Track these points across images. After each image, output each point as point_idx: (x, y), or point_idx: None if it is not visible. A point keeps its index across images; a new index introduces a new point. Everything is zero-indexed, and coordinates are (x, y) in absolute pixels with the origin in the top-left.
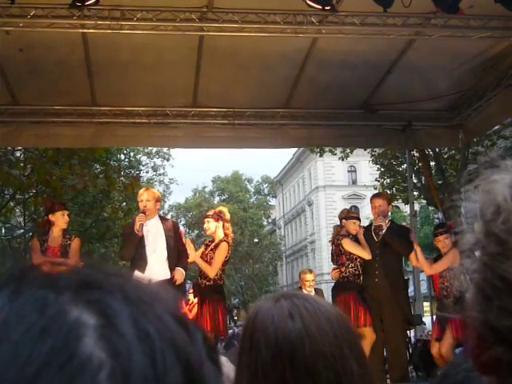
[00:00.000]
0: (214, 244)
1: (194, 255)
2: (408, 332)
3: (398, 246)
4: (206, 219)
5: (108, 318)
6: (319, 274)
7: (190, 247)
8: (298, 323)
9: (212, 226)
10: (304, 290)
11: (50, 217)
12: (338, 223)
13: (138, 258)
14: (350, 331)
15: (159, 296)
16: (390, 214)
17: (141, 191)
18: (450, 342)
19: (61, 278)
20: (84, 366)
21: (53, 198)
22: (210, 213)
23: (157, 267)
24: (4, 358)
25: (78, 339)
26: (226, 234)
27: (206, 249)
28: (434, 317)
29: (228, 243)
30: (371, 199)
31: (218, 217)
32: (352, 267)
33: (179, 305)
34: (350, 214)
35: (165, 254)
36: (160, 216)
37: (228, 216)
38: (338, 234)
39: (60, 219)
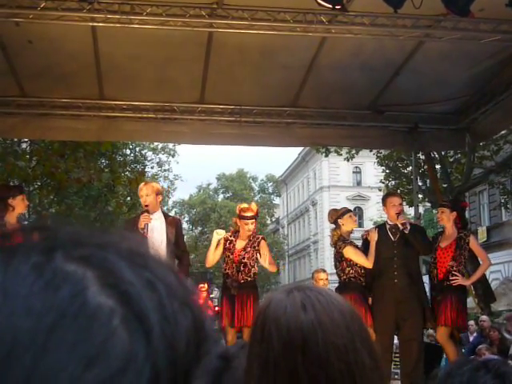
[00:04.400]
0: (252, 241)
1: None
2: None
3: (420, 244)
4: (252, 220)
5: (107, 269)
6: None
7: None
8: (311, 314)
9: (253, 227)
10: None
11: (10, 201)
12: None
13: None
14: (362, 325)
15: (148, 248)
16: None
17: (140, 186)
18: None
19: (46, 240)
20: (96, 313)
21: (7, 184)
22: (253, 214)
23: None
24: (18, 311)
25: (84, 289)
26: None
27: (229, 244)
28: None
29: (264, 239)
30: (388, 198)
31: (257, 216)
32: (352, 273)
33: (165, 257)
34: (339, 210)
35: (165, 250)
36: (163, 211)
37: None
38: (339, 237)
39: (20, 204)
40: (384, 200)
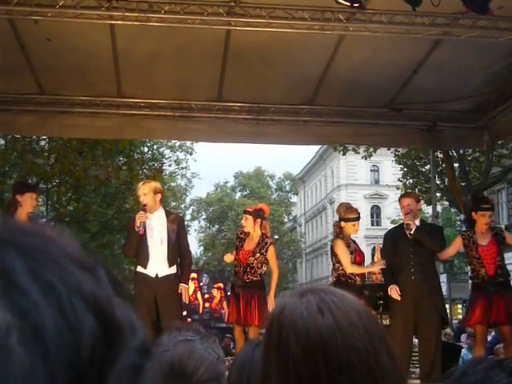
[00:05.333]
0: (261, 245)
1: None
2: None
3: (428, 243)
4: (245, 215)
5: (3, 275)
6: None
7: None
8: (329, 318)
9: (250, 224)
10: None
11: (18, 197)
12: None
13: (141, 254)
14: (378, 324)
15: (53, 240)
16: (419, 212)
17: (138, 185)
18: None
19: None
20: None
21: (23, 180)
22: (250, 209)
23: (159, 262)
24: None
25: None
26: (262, 233)
27: (239, 242)
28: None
29: (273, 244)
30: (399, 199)
31: (258, 215)
32: (341, 269)
33: (75, 244)
34: (349, 212)
35: (165, 248)
36: (165, 209)
37: (267, 214)
38: (337, 233)
39: (28, 201)
40: (399, 201)
